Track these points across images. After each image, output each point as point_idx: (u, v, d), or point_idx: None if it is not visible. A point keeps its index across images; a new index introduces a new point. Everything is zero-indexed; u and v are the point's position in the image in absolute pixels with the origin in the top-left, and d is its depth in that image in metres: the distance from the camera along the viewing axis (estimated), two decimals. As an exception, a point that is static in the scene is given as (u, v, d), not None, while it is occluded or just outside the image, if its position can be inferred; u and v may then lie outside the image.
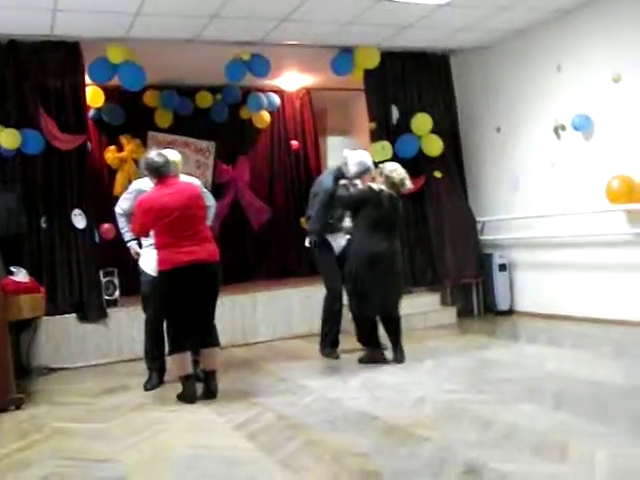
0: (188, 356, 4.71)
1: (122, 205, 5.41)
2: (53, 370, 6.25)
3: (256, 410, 4.36)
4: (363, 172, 5.69)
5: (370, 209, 5.40)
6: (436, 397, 4.36)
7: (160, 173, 4.67)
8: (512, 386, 4.49)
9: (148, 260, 5.22)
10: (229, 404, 4.56)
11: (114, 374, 5.99)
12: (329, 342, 5.93)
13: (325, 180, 5.89)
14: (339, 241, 5.88)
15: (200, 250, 4.60)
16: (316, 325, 6.24)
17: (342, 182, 5.70)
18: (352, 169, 5.66)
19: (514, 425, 3.64)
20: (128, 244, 5.43)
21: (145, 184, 5.36)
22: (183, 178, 5.17)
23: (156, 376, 5.29)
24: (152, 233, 4.76)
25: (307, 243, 6.02)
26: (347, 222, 5.76)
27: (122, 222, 5.43)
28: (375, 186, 5.48)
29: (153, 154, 4.75)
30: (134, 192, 5.35)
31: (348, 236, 5.81)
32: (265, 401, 4.58)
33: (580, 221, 6.87)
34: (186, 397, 4.68)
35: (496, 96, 7.89)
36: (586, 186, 6.75)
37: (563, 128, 6.97)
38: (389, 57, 7.76)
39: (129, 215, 5.42)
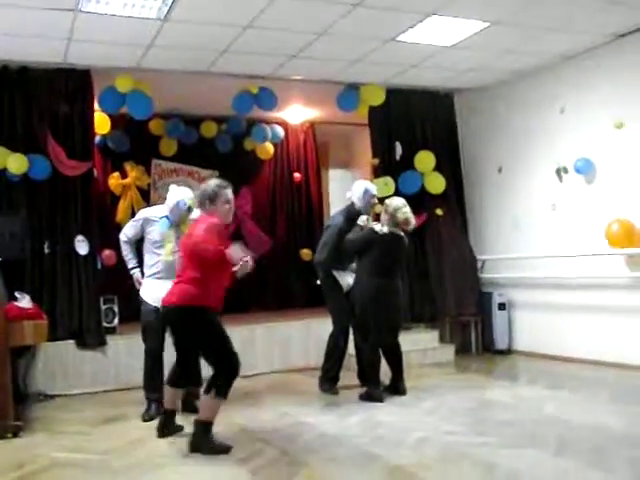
0: (175, 392, 4.61)
1: (127, 232, 5.41)
2: (50, 397, 6.21)
3: (257, 445, 4.34)
4: (369, 200, 5.76)
5: (373, 252, 5.51)
6: (437, 438, 4.35)
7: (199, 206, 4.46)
8: (512, 429, 4.48)
9: (149, 290, 5.22)
10: (230, 439, 4.51)
11: (112, 403, 5.94)
12: (329, 378, 5.92)
13: (337, 216, 6.01)
14: (347, 279, 5.91)
15: (169, 291, 4.38)
16: (314, 358, 6.24)
17: (360, 220, 5.76)
18: (359, 204, 5.74)
19: (516, 470, 3.64)
20: (132, 271, 5.44)
21: (153, 213, 5.39)
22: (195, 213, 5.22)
23: (155, 407, 5.23)
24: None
25: (318, 281, 6.06)
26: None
27: (126, 249, 5.43)
28: (378, 228, 5.55)
29: (213, 185, 4.36)
30: (141, 220, 5.37)
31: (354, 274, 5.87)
32: (266, 436, 4.56)
33: (580, 263, 6.92)
34: (157, 429, 4.63)
35: (499, 136, 8.00)
36: (586, 229, 6.82)
37: (565, 170, 7.06)
38: (394, 94, 7.87)
39: (134, 242, 5.44)
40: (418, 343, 7.47)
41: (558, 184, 7.20)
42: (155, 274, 5.27)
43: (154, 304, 5.15)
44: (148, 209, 5.59)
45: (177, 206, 5.21)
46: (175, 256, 5.26)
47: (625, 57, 6.44)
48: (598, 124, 6.70)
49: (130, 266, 5.44)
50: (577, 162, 6.83)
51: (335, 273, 5.88)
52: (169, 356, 5.23)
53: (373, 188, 5.84)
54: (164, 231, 5.25)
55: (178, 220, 5.28)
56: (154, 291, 5.16)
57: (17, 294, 5.02)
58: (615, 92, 6.54)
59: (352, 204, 5.82)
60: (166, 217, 5.28)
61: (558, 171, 7.15)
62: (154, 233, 5.28)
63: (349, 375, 6.10)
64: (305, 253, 9.28)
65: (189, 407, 5.19)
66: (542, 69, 7.31)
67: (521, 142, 7.69)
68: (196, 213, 5.32)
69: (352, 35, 6.10)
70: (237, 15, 5.52)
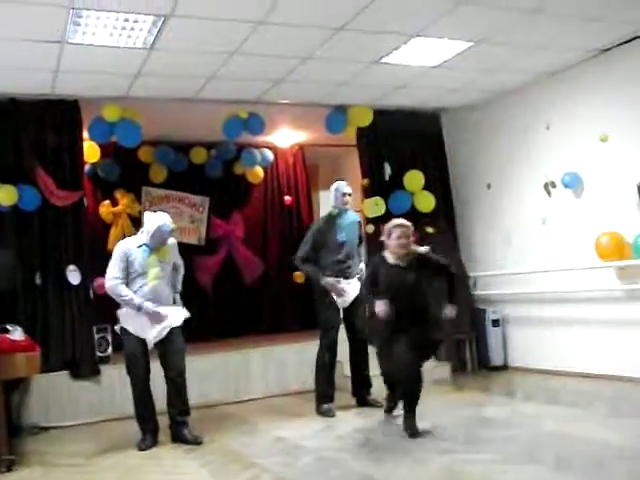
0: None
1: (116, 274, 5.15)
2: (44, 429, 6.14)
3: (253, 471, 4.30)
4: (340, 198, 6.04)
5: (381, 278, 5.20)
6: (437, 458, 4.32)
7: None
8: (512, 446, 4.46)
9: (133, 320, 5.15)
10: (226, 465, 4.50)
11: (107, 433, 5.89)
12: (324, 399, 5.88)
13: (319, 219, 6.40)
14: (344, 298, 5.88)
15: None
16: (310, 381, 6.19)
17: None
18: (334, 204, 6.07)
19: (516, 487, 3.63)
20: (143, 305, 5.11)
21: (129, 244, 5.29)
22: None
23: (150, 436, 5.21)
24: None
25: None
26: (360, 266, 5.98)
27: (126, 290, 5.13)
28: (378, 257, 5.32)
29: None
30: (123, 251, 5.20)
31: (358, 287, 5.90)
32: (262, 462, 4.52)
33: (571, 277, 6.94)
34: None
35: (486, 153, 8.05)
36: (577, 242, 6.85)
37: (553, 185, 7.11)
38: (381, 115, 7.91)
39: (125, 278, 5.20)
40: (414, 362, 7.43)
41: (547, 199, 7.24)
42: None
43: (136, 334, 5.14)
44: (123, 242, 5.41)
45: (159, 230, 5.16)
46: (159, 281, 5.25)
47: (608, 71, 6.51)
48: (584, 138, 6.75)
49: (138, 302, 5.10)
50: (565, 176, 6.88)
51: (343, 283, 5.88)
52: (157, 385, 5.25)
53: (343, 186, 6.05)
54: (145, 258, 5.19)
55: (158, 245, 5.25)
56: (138, 320, 5.14)
57: (9, 326, 4.99)
58: (600, 106, 6.60)
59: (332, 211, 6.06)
60: (144, 245, 5.22)
61: (546, 186, 7.19)
62: (135, 263, 5.18)
63: (346, 396, 6.08)
64: (298, 276, 9.26)
65: (179, 437, 5.18)
66: (527, 86, 7.38)
67: (509, 158, 7.74)
68: (172, 241, 5.37)
69: (337, 59, 6.15)
70: (223, 42, 5.57)
